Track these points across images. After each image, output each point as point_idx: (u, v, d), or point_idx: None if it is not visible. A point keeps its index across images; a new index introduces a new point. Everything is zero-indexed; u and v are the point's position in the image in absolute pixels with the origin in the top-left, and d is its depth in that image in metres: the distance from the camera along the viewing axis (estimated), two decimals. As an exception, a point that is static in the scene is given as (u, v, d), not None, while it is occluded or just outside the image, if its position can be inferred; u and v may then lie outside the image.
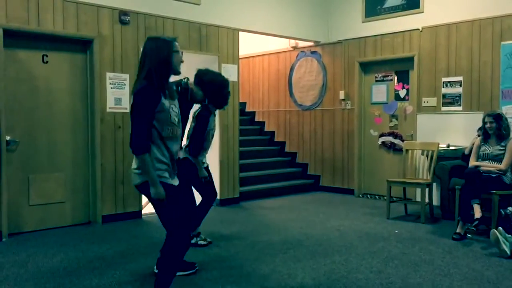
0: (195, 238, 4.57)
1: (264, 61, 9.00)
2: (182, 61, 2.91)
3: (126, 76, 5.71)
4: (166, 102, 2.73)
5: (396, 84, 7.23)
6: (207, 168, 4.54)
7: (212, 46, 6.60)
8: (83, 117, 5.54)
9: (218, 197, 6.65)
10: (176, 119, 2.82)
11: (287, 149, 8.67)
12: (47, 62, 5.26)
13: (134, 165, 2.79)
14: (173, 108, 2.81)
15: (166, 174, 2.76)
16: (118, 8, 5.63)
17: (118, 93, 5.66)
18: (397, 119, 7.24)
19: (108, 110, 5.58)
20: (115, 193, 5.67)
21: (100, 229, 5.34)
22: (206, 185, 4.48)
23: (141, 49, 2.85)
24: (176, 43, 2.85)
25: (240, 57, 7.09)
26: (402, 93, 7.15)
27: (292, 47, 8.45)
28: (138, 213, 5.89)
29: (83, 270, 3.84)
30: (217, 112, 4.74)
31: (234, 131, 6.94)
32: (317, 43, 8.07)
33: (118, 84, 5.66)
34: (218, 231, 5.22)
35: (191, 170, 4.27)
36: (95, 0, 5.44)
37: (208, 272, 3.79)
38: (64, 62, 5.40)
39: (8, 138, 4.90)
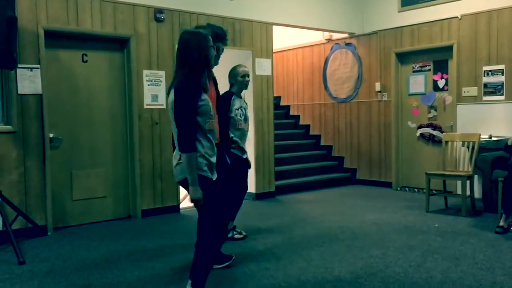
0: (231, 232, 4.62)
1: (298, 54, 8.95)
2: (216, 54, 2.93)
3: (162, 73, 5.81)
4: (205, 96, 2.74)
5: (434, 74, 7.06)
6: (246, 159, 4.60)
7: (245, 40, 6.62)
8: (122, 114, 5.67)
9: (254, 191, 6.75)
10: (213, 112, 2.82)
11: (322, 143, 8.61)
12: (86, 61, 5.41)
13: (175, 161, 2.79)
14: (210, 100, 2.81)
15: (206, 168, 2.75)
16: (153, 6, 5.73)
17: (154, 90, 5.76)
18: (436, 110, 7.06)
19: (145, 106, 5.69)
20: (154, 188, 5.78)
21: (139, 223, 5.47)
22: (240, 178, 4.53)
23: (177, 44, 2.85)
24: (210, 37, 2.84)
25: (274, 51, 7.08)
26: (441, 83, 6.97)
27: (326, 39, 8.37)
28: (176, 208, 5.99)
29: (124, 263, 3.95)
30: (244, 96, 4.77)
31: (269, 125, 6.95)
32: (351, 35, 7.96)
33: (155, 81, 5.76)
34: (254, 225, 5.25)
35: (226, 161, 4.34)
36: (131, -1, 5.56)
37: (245, 266, 3.83)
38: (103, 61, 5.54)
39: (51, 135, 5.09)
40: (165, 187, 5.87)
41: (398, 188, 7.44)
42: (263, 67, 6.83)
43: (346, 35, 8.02)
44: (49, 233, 4.96)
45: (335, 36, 8.19)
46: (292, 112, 9.13)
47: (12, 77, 4.75)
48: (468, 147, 5.85)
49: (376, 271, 3.64)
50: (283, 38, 8.50)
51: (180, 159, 2.72)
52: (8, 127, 4.74)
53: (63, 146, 5.24)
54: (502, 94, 6.21)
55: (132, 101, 5.63)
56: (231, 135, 4.38)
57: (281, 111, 9.00)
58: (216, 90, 3.72)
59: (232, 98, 4.45)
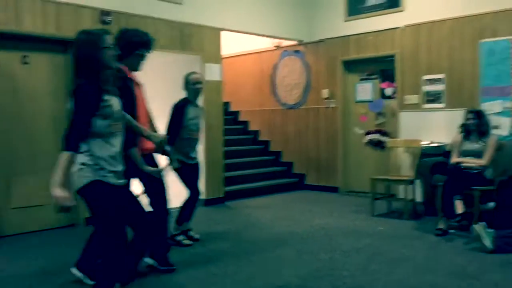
0: (181, 236, 4.59)
1: (248, 60, 8.99)
2: (115, 55, 2.72)
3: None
4: (108, 97, 2.60)
5: (381, 82, 7.30)
6: (196, 165, 4.66)
7: (194, 45, 6.57)
8: (65, 118, 5.46)
9: (203, 196, 6.68)
10: (119, 115, 2.69)
11: (271, 148, 8.68)
12: (26, 63, 5.18)
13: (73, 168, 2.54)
14: (115, 102, 2.66)
15: (105, 173, 2.57)
16: (99, 8, 5.58)
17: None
18: (384, 116, 7.30)
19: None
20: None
21: (83, 231, 5.26)
22: (191, 183, 4.59)
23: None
24: (107, 37, 2.67)
25: (223, 56, 7.08)
26: (388, 91, 7.20)
27: (275, 46, 8.46)
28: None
29: (65, 273, 3.78)
30: (200, 103, 4.81)
31: (219, 130, 6.93)
32: (300, 42, 8.09)
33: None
34: (203, 231, 5.19)
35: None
36: (75, 0, 5.38)
37: (193, 272, 3.78)
38: (45, 63, 5.33)
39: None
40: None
41: (345, 193, 7.61)
42: (213, 72, 6.80)
43: (294, 43, 8.15)
44: (-15, 244, 4.69)
45: (284, 43, 8.29)
46: (241, 118, 9.15)
47: None
48: (410, 153, 6.06)
49: (324, 274, 3.69)
50: (233, 44, 8.52)
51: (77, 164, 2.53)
52: None
53: (0, 151, 4.98)
54: (442, 102, 6.50)
55: (76, 105, 5.43)
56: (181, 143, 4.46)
57: (230, 116, 8.99)
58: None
59: (186, 107, 4.49)
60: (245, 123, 9.05)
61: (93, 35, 2.64)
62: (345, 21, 7.51)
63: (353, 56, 7.45)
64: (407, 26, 6.81)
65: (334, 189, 7.71)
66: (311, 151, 8.08)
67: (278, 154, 8.57)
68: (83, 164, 2.52)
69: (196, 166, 4.73)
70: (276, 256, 4.22)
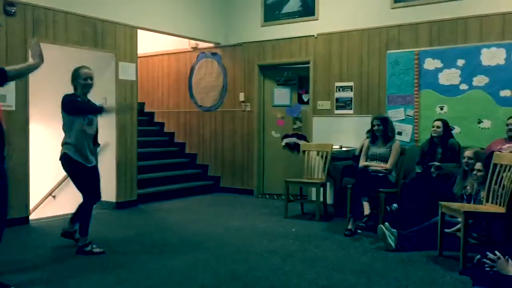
0: (90, 245, 4.32)
1: (164, 60, 8.83)
2: None
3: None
4: None
5: (299, 89, 7.54)
6: (95, 167, 4.40)
7: (108, 43, 6.33)
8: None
9: (114, 199, 6.45)
10: None
11: (187, 150, 8.59)
12: None
13: None
14: None
15: None
16: (2, -3, 5.19)
17: (2, 90, 5.19)
18: (301, 121, 7.53)
19: (-10, 107, 5.10)
20: None
21: None
22: (92, 186, 4.35)
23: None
24: None
25: (138, 55, 6.89)
26: (306, 97, 7.44)
27: (192, 47, 8.39)
28: (25, 219, 5.46)
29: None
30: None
31: (132, 131, 6.72)
32: (217, 45, 8.10)
33: (2, 79, 5.20)
34: (114, 235, 5.01)
35: (72, 167, 4.21)
36: (-25, -13, 4.96)
37: (105, 279, 3.62)
38: None
39: None
40: (11, 197, 5.31)
41: (259, 196, 7.72)
42: (127, 71, 6.59)
43: (211, 45, 8.14)
44: None
45: (202, 45, 8.26)
46: (157, 119, 8.96)
47: None
48: (322, 156, 6.30)
49: (239, 276, 3.71)
50: (149, 43, 8.32)
51: None
52: None
53: None
54: (351, 109, 6.83)
55: (-27, 101, 5.01)
56: (70, 139, 4.20)
57: (145, 117, 8.77)
58: None
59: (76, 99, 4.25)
60: (160, 124, 8.87)
61: None
62: (262, 26, 7.64)
63: (269, 61, 7.61)
64: (319, 35, 7.08)
65: (249, 192, 7.79)
66: (226, 154, 8.11)
67: (193, 156, 8.49)
68: None
69: (95, 168, 4.42)
70: (190, 259, 4.17)
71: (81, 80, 4.27)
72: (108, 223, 5.64)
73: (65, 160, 4.23)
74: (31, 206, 5.83)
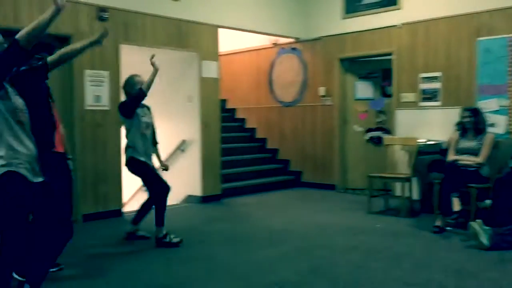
0: (168, 236, 4.49)
1: (245, 57, 8.98)
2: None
3: (106, 73, 5.65)
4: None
5: (383, 81, 7.36)
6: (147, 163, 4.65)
7: (192, 42, 6.56)
8: (63, 115, 5.43)
9: (200, 194, 6.70)
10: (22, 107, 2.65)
11: (268, 146, 8.68)
12: (24, 59, 5.15)
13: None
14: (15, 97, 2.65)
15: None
16: (96, 5, 5.56)
17: (97, 91, 5.59)
18: (385, 114, 7.35)
19: (87, 107, 5.51)
20: (96, 191, 5.60)
21: (81, 228, 5.27)
22: (159, 179, 4.58)
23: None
24: None
25: (220, 53, 7.07)
26: (389, 89, 7.24)
27: (272, 43, 8.45)
28: (118, 212, 5.83)
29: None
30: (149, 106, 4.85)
31: (215, 127, 6.93)
32: (297, 40, 8.09)
33: (98, 81, 5.59)
34: (200, 228, 5.21)
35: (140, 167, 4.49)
36: (72, -4, 5.36)
37: (192, 269, 3.78)
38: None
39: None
40: (108, 191, 5.70)
41: (342, 191, 7.62)
42: (210, 69, 6.80)
43: (291, 40, 8.14)
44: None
45: (281, 40, 8.29)
46: (238, 115, 9.14)
47: None
48: (406, 151, 6.08)
49: (322, 272, 3.70)
50: (230, 41, 8.50)
51: None
52: None
53: None
54: (438, 100, 6.52)
55: (73, 102, 5.43)
56: (132, 143, 4.49)
57: (227, 114, 8.98)
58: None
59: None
60: (242, 120, 9.05)
61: None
62: (342, 18, 7.51)
63: (350, 54, 7.46)
64: (404, 24, 6.82)
65: (331, 187, 7.72)
66: (307, 149, 8.09)
67: (274, 151, 8.57)
68: None
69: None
70: (273, 253, 4.22)
71: (137, 86, 4.54)
72: (195, 216, 5.88)
73: (132, 163, 4.52)
74: (124, 199, 6.20)
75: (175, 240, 4.47)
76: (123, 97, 4.79)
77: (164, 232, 4.48)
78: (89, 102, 5.52)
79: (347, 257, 4.06)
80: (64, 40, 5.37)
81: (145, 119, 4.59)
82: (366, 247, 4.38)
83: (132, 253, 4.28)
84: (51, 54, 3.50)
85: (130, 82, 4.59)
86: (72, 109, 5.44)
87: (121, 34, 5.77)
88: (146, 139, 4.58)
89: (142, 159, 4.51)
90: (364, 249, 4.30)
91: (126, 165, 4.60)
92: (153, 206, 4.61)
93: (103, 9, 5.60)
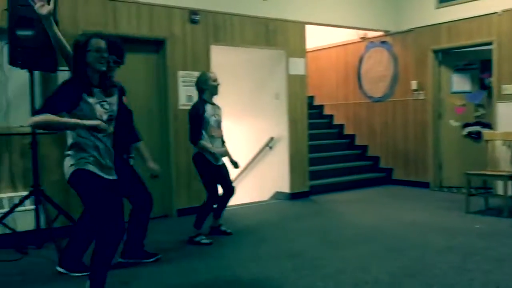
0: (199, 237, 4.56)
1: (332, 53, 8.87)
2: (104, 57, 2.83)
3: (197, 74, 5.85)
4: (90, 99, 2.76)
5: (481, 73, 6.93)
6: (223, 165, 4.69)
7: (279, 40, 6.61)
8: (157, 115, 5.76)
9: (288, 190, 6.74)
10: (105, 116, 2.83)
11: (357, 142, 8.51)
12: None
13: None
14: (104, 104, 2.84)
15: (92, 166, 2.79)
16: (188, 8, 5.79)
17: (189, 91, 5.82)
18: (484, 108, 6.92)
19: (180, 107, 5.76)
20: (189, 187, 5.84)
21: (176, 221, 5.54)
22: (223, 181, 4.66)
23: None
24: (94, 41, 2.82)
25: (307, 50, 7.05)
26: (489, 81, 6.79)
27: (360, 38, 8.27)
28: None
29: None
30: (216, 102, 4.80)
31: (303, 124, 6.92)
32: (386, 33, 7.84)
33: (190, 81, 5.82)
34: (289, 225, 5.24)
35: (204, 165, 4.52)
36: (167, 2, 5.63)
37: (281, 265, 3.82)
38: (139, 63, 5.63)
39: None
40: (201, 187, 5.91)
41: (436, 188, 7.27)
42: (297, 66, 6.81)
43: (381, 33, 7.91)
44: (88, 231, 5.07)
45: (370, 34, 8.08)
46: (326, 111, 9.06)
47: (53, 80, 4.88)
48: (509, 146, 5.66)
49: (415, 272, 3.57)
50: (317, 37, 8.45)
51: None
52: (50, 128, 4.87)
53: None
54: (546, 91, 5.99)
55: (167, 102, 5.71)
56: (202, 142, 4.48)
57: (314, 110, 8.95)
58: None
59: (205, 105, 4.55)
60: (329, 116, 8.96)
61: (82, 38, 2.84)
62: (436, 8, 7.14)
63: (445, 45, 7.09)
64: (504, 11, 6.34)
65: (424, 184, 7.40)
66: (399, 145, 7.81)
67: (364, 148, 8.39)
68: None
69: (223, 166, 4.70)
70: (364, 251, 4.14)
71: (211, 81, 4.59)
72: (283, 213, 5.92)
73: (198, 158, 4.56)
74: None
75: (204, 241, 4.53)
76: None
77: (198, 232, 4.58)
78: (182, 101, 5.78)
79: (442, 258, 3.87)
80: (159, 43, 5.68)
81: (215, 119, 4.61)
82: (463, 248, 4.15)
83: (222, 245, 4.41)
84: (119, 56, 3.68)
85: (203, 78, 4.65)
86: (167, 109, 5.72)
87: (212, 35, 5.97)
88: (216, 139, 4.62)
89: (209, 158, 4.54)
90: (461, 251, 4.07)
91: (193, 158, 4.64)
92: (225, 201, 4.78)
93: (194, 12, 5.83)
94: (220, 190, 4.71)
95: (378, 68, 8.05)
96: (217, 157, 4.55)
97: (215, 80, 4.62)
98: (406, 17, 7.58)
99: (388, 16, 7.68)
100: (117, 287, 3.31)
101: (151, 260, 3.95)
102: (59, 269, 3.73)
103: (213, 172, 4.56)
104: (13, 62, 4.23)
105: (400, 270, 3.62)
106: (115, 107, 2.93)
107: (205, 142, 4.48)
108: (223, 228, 4.91)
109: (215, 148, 4.53)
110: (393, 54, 7.81)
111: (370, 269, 3.67)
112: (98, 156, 2.83)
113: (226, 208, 4.90)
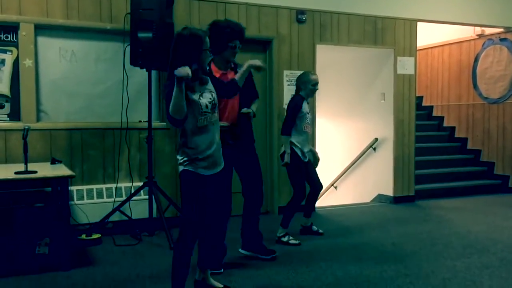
0: (287, 237, 4.52)
1: (444, 51, 8.40)
2: (211, 56, 2.86)
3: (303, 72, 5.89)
4: (194, 96, 2.78)
5: None
6: (309, 161, 4.71)
7: (387, 39, 6.41)
8: (262, 113, 5.88)
9: (391, 194, 6.52)
10: (210, 106, 2.85)
11: (469, 146, 7.99)
12: (232, 62, 5.71)
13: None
14: (206, 94, 2.85)
15: (194, 164, 2.81)
16: (295, 8, 5.84)
17: (293, 90, 5.85)
18: None
19: (284, 106, 5.83)
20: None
21: (276, 218, 5.62)
22: (310, 177, 4.67)
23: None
24: (208, 39, 2.83)
25: (417, 48, 6.75)
26: None
27: (477, 35, 7.73)
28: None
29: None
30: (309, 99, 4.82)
31: (410, 126, 6.65)
32: (507, 29, 7.24)
33: (294, 81, 5.86)
34: (393, 229, 5.08)
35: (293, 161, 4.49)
36: (274, 2, 5.72)
37: (384, 270, 3.72)
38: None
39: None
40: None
41: (561, 200, 6.59)
42: (405, 66, 6.55)
43: (501, 30, 7.32)
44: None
45: (488, 31, 7.52)
46: (435, 113, 8.61)
47: (168, 78, 5.22)
48: None
49: (534, 290, 3.28)
50: (428, 35, 8.05)
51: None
52: (163, 124, 5.21)
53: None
54: None
55: (272, 101, 5.81)
56: (295, 138, 4.50)
57: (423, 111, 8.55)
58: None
59: (303, 102, 4.57)
60: (440, 118, 8.50)
61: (196, 36, 2.79)
62: None
63: None
64: None
65: (546, 195, 6.74)
66: (517, 151, 7.19)
67: (477, 152, 7.84)
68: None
69: (309, 163, 4.71)
70: (474, 263, 3.89)
71: (310, 85, 4.60)
72: (386, 217, 5.74)
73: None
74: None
75: (292, 241, 4.48)
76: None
77: (285, 232, 4.54)
78: (286, 101, 5.82)
79: None
80: (267, 43, 5.79)
81: (310, 117, 4.67)
82: None
83: (321, 246, 4.39)
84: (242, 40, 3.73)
85: (304, 79, 4.65)
86: (271, 108, 5.82)
87: (318, 35, 5.96)
88: (307, 136, 4.65)
89: (299, 154, 4.55)
90: None
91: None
92: (314, 199, 4.79)
93: (301, 11, 5.86)
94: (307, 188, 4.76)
95: (496, 68, 7.47)
96: (304, 152, 4.58)
97: (314, 85, 4.65)
98: (531, 11, 6.94)
99: (510, 11, 7.08)
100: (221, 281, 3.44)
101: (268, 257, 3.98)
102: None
103: (301, 168, 4.58)
104: (134, 62, 4.58)
105: (517, 287, 3.35)
106: (214, 94, 2.96)
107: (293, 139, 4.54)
108: (314, 228, 4.87)
109: (303, 143, 4.57)
110: (515, 52, 7.20)
111: (481, 282, 3.44)
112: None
113: (326, 208, 4.87)
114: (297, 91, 4.71)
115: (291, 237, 4.55)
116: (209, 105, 2.87)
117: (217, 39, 3.48)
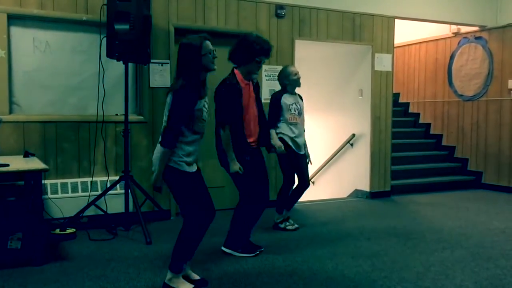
0: (284, 223, 4.77)
1: (421, 49, 8.51)
2: (215, 57, 3.05)
3: (280, 68, 5.89)
4: (201, 103, 2.98)
5: None
6: (304, 155, 4.82)
7: (365, 35, 6.46)
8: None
9: (368, 189, 6.59)
10: (206, 116, 3.08)
11: (444, 143, 8.12)
12: (215, 57, 5.65)
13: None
14: (205, 105, 3.06)
15: (184, 164, 3.01)
16: (274, 2, 5.83)
17: (272, 85, 5.87)
18: None
19: (263, 101, 5.80)
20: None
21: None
22: (300, 171, 4.76)
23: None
24: (207, 43, 3.02)
25: (395, 45, 6.82)
26: None
27: (453, 33, 7.85)
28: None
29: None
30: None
31: (387, 122, 6.72)
32: (482, 28, 7.38)
33: (273, 76, 5.86)
34: (368, 224, 5.13)
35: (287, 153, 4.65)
36: (253, -4, 5.71)
37: (359, 265, 3.76)
38: (226, 57, 5.75)
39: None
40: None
41: (531, 196, 6.77)
42: (383, 62, 6.61)
43: (476, 28, 7.45)
44: (172, 218, 5.31)
45: (464, 29, 7.65)
46: (412, 109, 8.73)
47: (145, 71, 5.16)
48: None
49: (505, 283, 3.35)
50: (405, 32, 8.15)
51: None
52: (140, 117, 5.16)
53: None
54: None
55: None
56: (283, 129, 4.64)
57: (399, 108, 8.65)
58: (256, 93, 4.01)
59: (282, 97, 4.69)
60: (416, 115, 8.62)
61: (194, 42, 3.01)
62: (541, 1, 6.61)
63: (549, 41, 6.54)
64: None
65: (518, 191, 6.91)
66: (491, 147, 7.35)
67: (451, 149, 7.98)
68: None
69: (305, 156, 4.83)
70: (447, 257, 3.96)
71: (293, 76, 4.73)
72: (363, 212, 5.81)
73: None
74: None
75: (290, 227, 4.72)
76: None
77: (282, 218, 4.78)
78: (265, 95, 5.83)
79: (536, 271, 3.61)
80: (245, 37, 5.76)
81: (296, 107, 4.76)
82: (561, 262, 3.83)
83: (300, 240, 4.41)
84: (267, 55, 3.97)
85: (284, 73, 4.78)
86: (250, 102, 5.80)
87: (297, 30, 5.96)
88: (299, 127, 4.78)
89: (292, 146, 4.67)
90: (558, 265, 3.76)
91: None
92: (299, 194, 4.85)
93: (280, 6, 5.85)
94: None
95: (471, 65, 7.61)
96: (299, 144, 4.69)
97: (296, 74, 4.77)
98: (506, 10, 7.07)
99: (484, 9, 7.22)
100: (195, 267, 3.43)
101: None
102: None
103: (292, 158, 4.69)
104: (110, 54, 4.52)
105: (488, 280, 3.42)
106: (207, 105, 3.12)
107: (281, 129, 4.67)
108: (282, 225, 4.81)
109: (292, 133, 4.68)
110: (489, 51, 7.34)
111: (454, 276, 3.51)
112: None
113: (303, 203, 4.89)
114: (283, 88, 4.81)
115: (287, 223, 4.77)
116: (205, 115, 3.09)
117: (245, 52, 3.80)
